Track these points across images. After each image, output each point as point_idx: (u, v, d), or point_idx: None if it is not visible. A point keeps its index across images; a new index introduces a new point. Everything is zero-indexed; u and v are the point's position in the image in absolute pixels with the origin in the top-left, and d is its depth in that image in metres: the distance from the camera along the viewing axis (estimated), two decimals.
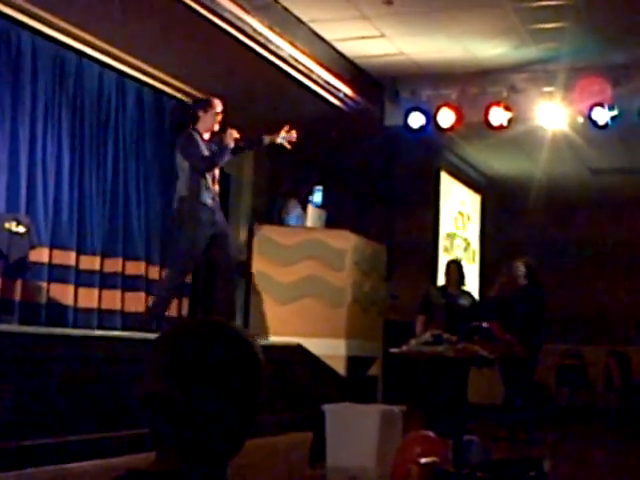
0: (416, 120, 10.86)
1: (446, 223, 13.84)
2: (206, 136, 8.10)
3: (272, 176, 12.42)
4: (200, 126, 8.08)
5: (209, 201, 7.97)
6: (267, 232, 10.58)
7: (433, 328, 8.36)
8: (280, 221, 10.91)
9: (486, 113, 10.47)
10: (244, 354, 1.42)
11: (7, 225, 6.92)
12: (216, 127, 8.18)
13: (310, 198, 11.05)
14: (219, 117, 8.13)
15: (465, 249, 14.72)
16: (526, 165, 13.31)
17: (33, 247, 7.61)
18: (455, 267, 10.26)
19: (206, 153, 7.94)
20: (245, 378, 1.41)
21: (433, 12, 9.07)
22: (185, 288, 10.30)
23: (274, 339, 8.94)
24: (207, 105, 8.15)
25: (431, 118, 10.79)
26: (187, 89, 10.31)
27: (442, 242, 13.54)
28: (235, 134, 8.07)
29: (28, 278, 8.18)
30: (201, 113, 8.10)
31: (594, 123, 10.18)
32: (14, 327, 7.40)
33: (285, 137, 8.55)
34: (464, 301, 9.92)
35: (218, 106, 8.13)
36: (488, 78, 10.66)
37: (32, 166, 8.42)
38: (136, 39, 8.85)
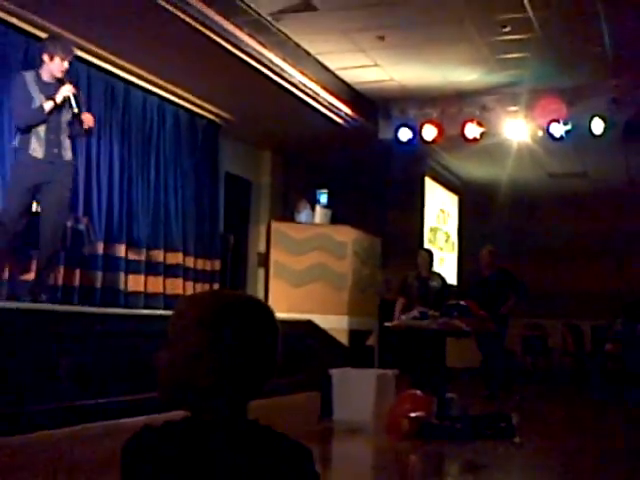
0: (404, 134, 10.87)
1: (430, 219, 13.86)
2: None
3: (286, 181, 12.43)
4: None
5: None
6: (282, 228, 10.58)
7: (419, 306, 8.33)
8: (292, 219, 10.90)
9: (462, 128, 10.48)
10: (269, 321, 1.44)
11: (69, 224, 6.91)
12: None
13: (317, 199, 11.04)
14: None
15: (446, 240, 14.74)
16: (495, 170, 13.29)
17: (90, 242, 7.60)
18: (426, 254, 10.24)
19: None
20: (270, 339, 1.42)
21: (418, 46, 9.06)
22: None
23: (289, 316, 8.96)
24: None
25: (417, 133, 10.80)
26: (215, 110, 10.31)
27: (427, 235, 13.56)
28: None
29: (86, 267, 8.18)
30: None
31: (551, 136, 10.19)
32: (74, 308, 7.41)
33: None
34: (435, 282, 9.90)
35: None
36: (464, 99, 10.66)
37: (89, 175, 8.42)
38: (173, 70, 8.85)
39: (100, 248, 8.41)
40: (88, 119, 6.27)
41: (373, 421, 6.94)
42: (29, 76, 6.15)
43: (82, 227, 7.01)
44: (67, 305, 7.60)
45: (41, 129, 6.08)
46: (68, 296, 7.92)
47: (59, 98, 6.10)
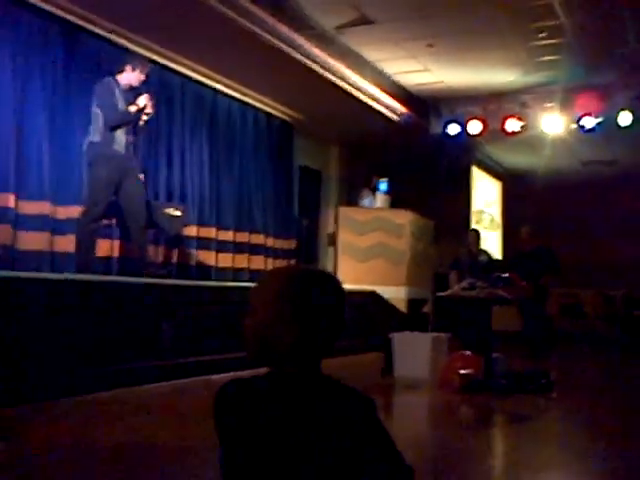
0: (453, 129, 10.79)
1: (476, 203, 13.73)
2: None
3: (351, 172, 12.40)
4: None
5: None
6: (348, 212, 10.57)
7: (469, 278, 8.23)
8: (357, 204, 10.88)
9: (503, 123, 10.36)
10: (337, 290, 1.44)
11: (167, 210, 7.00)
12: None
13: (378, 187, 11.00)
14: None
15: (491, 221, 14.58)
16: (533, 159, 13.08)
17: (185, 225, 7.71)
18: (474, 233, 10.09)
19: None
20: (338, 305, 1.43)
21: (463, 52, 8.93)
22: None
23: (355, 287, 8.97)
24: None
25: (464, 127, 10.72)
26: (289, 112, 10.33)
27: (474, 216, 13.46)
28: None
29: (182, 247, 8.30)
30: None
31: (583, 128, 9.96)
32: (173, 281, 7.53)
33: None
34: (483, 258, 9.76)
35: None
36: (504, 98, 10.50)
37: (183, 170, 8.53)
38: (253, 79, 8.89)
39: (194, 231, 8.53)
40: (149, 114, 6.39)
41: (428, 377, 6.89)
42: (113, 82, 6.24)
43: (178, 213, 7.09)
44: (166, 280, 7.74)
45: (123, 129, 6.18)
46: (167, 271, 8.05)
47: (141, 103, 6.21)
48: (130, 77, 6.27)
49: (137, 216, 6.30)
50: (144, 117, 6.29)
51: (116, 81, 6.25)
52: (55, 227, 6.74)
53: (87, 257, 6.13)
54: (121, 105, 6.15)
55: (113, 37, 7.33)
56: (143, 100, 6.22)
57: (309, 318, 1.37)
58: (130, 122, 6.20)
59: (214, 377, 4.89)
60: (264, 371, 1.43)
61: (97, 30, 7.20)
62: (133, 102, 6.19)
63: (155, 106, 6.45)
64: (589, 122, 9.87)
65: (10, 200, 6.29)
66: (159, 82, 8.15)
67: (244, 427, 1.35)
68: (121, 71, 6.29)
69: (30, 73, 6.64)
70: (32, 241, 6.51)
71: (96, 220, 6.18)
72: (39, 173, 6.61)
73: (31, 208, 6.52)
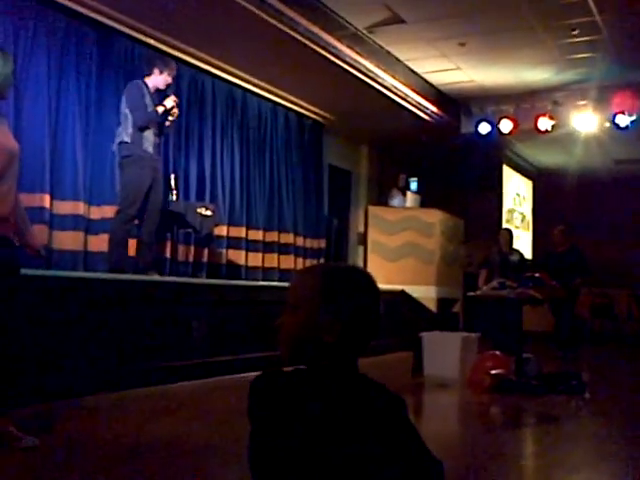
0: (484, 128, 10.71)
1: (507, 202, 13.64)
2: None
3: (380, 171, 12.40)
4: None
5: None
6: (378, 211, 10.57)
7: (499, 277, 8.18)
8: (386, 203, 10.87)
9: (535, 121, 10.25)
10: (373, 286, 1.46)
11: (198, 210, 7.06)
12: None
13: (408, 186, 10.97)
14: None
15: (522, 220, 14.47)
16: (565, 158, 12.94)
17: (216, 225, 7.75)
18: (506, 233, 10.01)
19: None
20: (375, 302, 1.44)
21: (494, 50, 8.87)
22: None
23: (385, 286, 8.96)
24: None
25: (495, 126, 10.64)
26: (319, 112, 10.35)
27: (505, 215, 13.37)
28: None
29: (213, 246, 8.35)
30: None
31: (617, 126, 9.85)
32: (204, 280, 7.59)
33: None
34: (514, 257, 9.68)
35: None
36: (536, 96, 10.40)
37: (214, 169, 8.57)
38: (284, 78, 8.91)
39: (224, 230, 8.58)
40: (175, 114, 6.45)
41: (458, 377, 6.88)
42: (142, 84, 6.31)
43: (209, 212, 7.14)
44: (197, 278, 7.81)
45: (152, 130, 6.25)
46: (198, 271, 8.12)
47: (168, 104, 6.29)
48: (158, 80, 6.33)
49: (156, 218, 6.39)
50: (170, 118, 6.36)
51: (145, 83, 6.32)
52: (89, 227, 6.83)
53: (120, 257, 6.20)
54: (150, 106, 6.23)
55: (143, 38, 7.40)
56: (170, 102, 6.30)
57: (350, 316, 1.38)
58: (157, 122, 6.26)
59: (244, 376, 4.93)
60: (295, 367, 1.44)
61: (129, 31, 7.28)
62: (160, 103, 6.26)
63: (182, 107, 6.53)
64: (623, 120, 9.75)
65: (46, 200, 6.39)
66: (190, 82, 8.22)
67: (283, 421, 1.36)
68: (149, 74, 6.35)
69: (65, 74, 6.74)
70: (67, 241, 6.60)
71: (131, 220, 6.25)
72: (73, 173, 6.71)
73: (66, 208, 6.62)
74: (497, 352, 6.91)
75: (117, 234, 6.22)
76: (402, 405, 1.39)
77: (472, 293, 7.91)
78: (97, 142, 6.96)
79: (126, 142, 6.20)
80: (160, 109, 6.25)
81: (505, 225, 12.69)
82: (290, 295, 1.45)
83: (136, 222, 6.34)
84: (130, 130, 6.17)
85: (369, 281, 1.45)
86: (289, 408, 1.37)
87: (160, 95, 6.38)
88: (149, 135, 6.22)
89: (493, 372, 6.41)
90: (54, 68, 6.63)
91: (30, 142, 6.18)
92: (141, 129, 6.17)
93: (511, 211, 13.87)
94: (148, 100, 6.25)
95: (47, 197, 6.41)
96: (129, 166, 6.23)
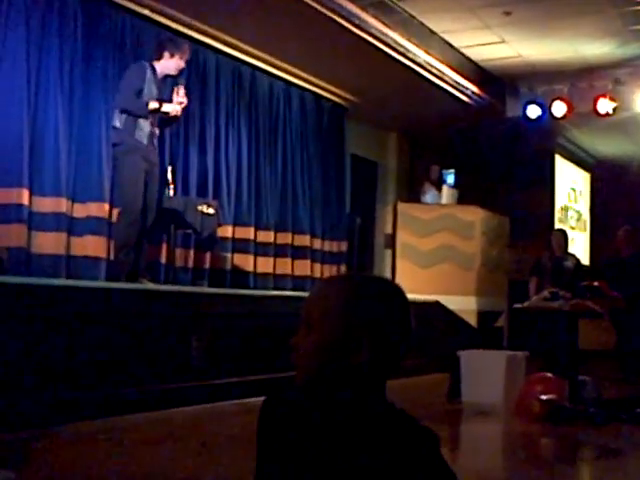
0: (533, 111, 10.69)
1: (560, 198, 13.58)
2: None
3: (412, 162, 12.37)
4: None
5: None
6: (408, 209, 10.56)
7: (550, 287, 8.14)
8: (419, 200, 10.84)
9: (594, 103, 10.22)
10: (403, 301, 1.46)
11: (199, 207, 7.05)
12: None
13: (444, 179, 10.94)
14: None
15: (577, 220, 14.40)
16: (629, 146, 12.87)
17: (220, 225, 7.75)
18: (560, 234, 9.95)
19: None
20: (406, 317, 1.45)
21: (546, 19, 8.83)
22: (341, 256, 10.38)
23: (416, 297, 8.93)
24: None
25: (546, 109, 10.61)
26: (341, 93, 10.34)
27: (557, 214, 13.32)
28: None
29: (216, 250, 8.35)
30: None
31: None
32: (205, 289, 7.59)
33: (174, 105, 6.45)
34: (569, 263, 9.62)
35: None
36: (595, 74, 10.34)
37: (217, 160, 8.59)
38: (298, 53, 8.91)
39: (229, 231, 8.58)
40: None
41: (502, 403, 6.82)
42: (147, 67, 6.33)
43: (212, 211, 7.14)
44: (198, 287, 7.81)
45: (148, 119, 6.26)
46: (199, 278, 8.12)
47: (167, 108, 6.29)
48: (169, 65, 6.38)
49: (151, 217, 6.41)
50: (176, 111, 6.35)
51: (152, 67, 6.35)
52: (72, 227, 6.84)
53: (128, 262, 6.18)
54: (148, 94, 6.21)
55: (135, 7, 7.43)
56: (170, 107, 6.32)
57: (380, 334, 1.38)
58: (145, 117, 6.25)
59: (250, 401, 4.91)
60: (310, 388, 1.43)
61: (119, 0, 7.31)
62: (160, 100, 6.25)
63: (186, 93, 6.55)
64: None
65: (24, 196, 6.40)
66: (190, 58, 8.20)
67: (295, 454, 1.36)
68: (159, 58, 6.39)
69: (46, 50, 6.74)
70: (47, 243, 6.61)
71: (137, 220, 6.23)
72: (55, 165, 6.72)
73: (46, 205, 6.63)
74: (548, 374, 6.85)
75: (125, 239, 6.24)
76: (434, 442, 1.37)
77: (519, 305, 7.86)
78: (83, 129, 6.98)
79: (117, 127, 6.23)
80: (152, 105, 6.20)
81: (558, 225, 12.63)
82: (308, 311, 1.45)
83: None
84: (123, 115, 6.19)
85: (398, 293, 1.46)
86: (299, 441, 1.36)
87: (170, 83, 6.41)
88: (144, 124, 6.23)
89: (544, 397, 6.35)
90: (34, 43, 6.64)
91: (4, 128, 6.22)
92: (122, 112, 6.18)
93: (565, 209, 13.80)
94: (150, 86, 6.27)
95: (25, 192, 6.43)
96: (122, 158, 6.27)
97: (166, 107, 6.32)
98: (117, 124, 6.22)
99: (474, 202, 10.58)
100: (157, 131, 6.46)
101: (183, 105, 6.45)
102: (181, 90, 6.44)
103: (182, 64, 6.45)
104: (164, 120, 6.47)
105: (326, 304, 1.42)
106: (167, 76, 6.49)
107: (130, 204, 6.23)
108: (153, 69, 6.35)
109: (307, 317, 1.43)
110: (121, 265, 6.21)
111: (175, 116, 6.46)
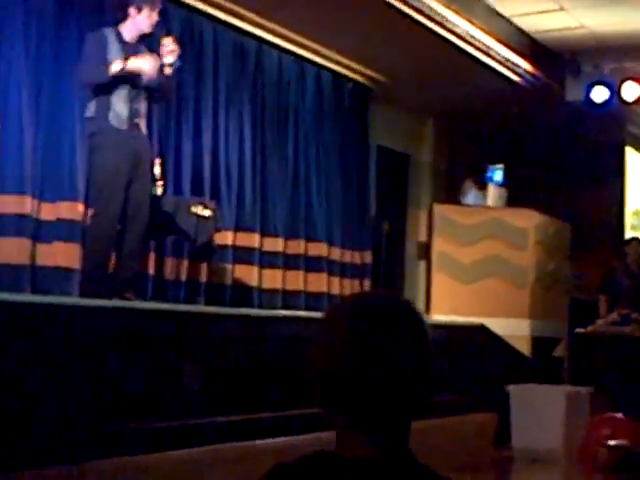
0: (599, 94, 10.68)
1: (633, 199, 13.51)
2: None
3: (451, 155, 12.35)
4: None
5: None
6: (447, 212, 10.55)
7: (620, 308, 8.10)
8: (459, 201, 10.82)
9: None
10: (418, 326, 1.49)
11: (194, 209, 7.02)
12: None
13: (490, 177, 10.92)
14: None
15: None
16: None
17: (218, 230, 7.73)
18: (637, 244, 9.93)
19: None
20: (422, 350, 1.47)
21: None
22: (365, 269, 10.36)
23: (457, 319, 8.90)
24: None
25: (615, 92, 10.64)
26: (364, 70, 10.34)
27: (629, 219, 13.28)
28: None
29: (214, 260, 8.34)
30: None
31: None
32: (201, 308, 7.58)
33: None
34: None
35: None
36: None
37: (216, 152, 8.59)
38: (314, 24, 8.92)
39: (229, 238, 8.58)
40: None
41: (562, 450, 6.80)
42: (109, 34, 6.27)
43: (208, 213, 7.12)
44: (192, 305, 7.80)
45: (121, 94, 6.19)
46: (193, 294, 8.12)
47: (136, 64, 6.14)
48: (138, 23, 6.30)
49: (141, 219, 6.39)
50: (167, 70, 6.30)
51: (117, 32, 6.31)
52: (38, 231, 6.85)
53: (99, 276, 6.19)
54: (113, 61, 6.15)
55: None
56: (141, 64, 6.16)
57: (404, 368, 1.42)
58: (109, 90, 6.15)
59: (253, 444, 4.89)
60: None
61: None
62: (124, 58, 6.13)
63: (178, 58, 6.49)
64: None
65: None
66: (183, 29, 8.24)
67: None
68: (124, 18, 6.34)
69: (7, 22, 6.77)
70: (8, 250, 6.63)
71: (113, 223, 6.24)
72: (18, 157, 6.75)
73: (7, 205, 6.65)
74: (618, 414, 6.83)
75: (94, 245, 6.26)
76: None
77: (581, 330, 7.84)
78: (51, 115, 7.00)
79: (89, 117, 6.24)
80: (115, 67, 6.06)
81: (630, 233, 12.57)
82: (317, 338, 1.52)
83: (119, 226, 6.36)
84: (93, 100, 6.20)
85: (420, 317, 1.49)
86: None
87: (147, 43, 6.39)
88: (117, 103, 6.19)
89: (612, 443, 6.34)
90: None
91: None
92: (86, 86, 6.18)
93: (637, 213, 13.76)
94: (114, 53, 6.18)
95: None
96: (98, 148, 6.27)
97: (133, 63, 6.13)
98: (89, 112, 6.23)
99: (527, 204, 10.60)
100: (143, 109, 6.41)
101: (175, 54, 6.30)
102: (167, 39, 6.32)
103: (155, 16, 6.32)
104: (149, 90, 6.37)
105: (326, 334, 1.50)
106: (143, 37, 6.39)
107: (106, 203, 6.23)
108: (118, 34, 6.30)
109: (315, 343, 1.51)
110: (89, 278, 6.20)
111: (167, 79, 6.31)
